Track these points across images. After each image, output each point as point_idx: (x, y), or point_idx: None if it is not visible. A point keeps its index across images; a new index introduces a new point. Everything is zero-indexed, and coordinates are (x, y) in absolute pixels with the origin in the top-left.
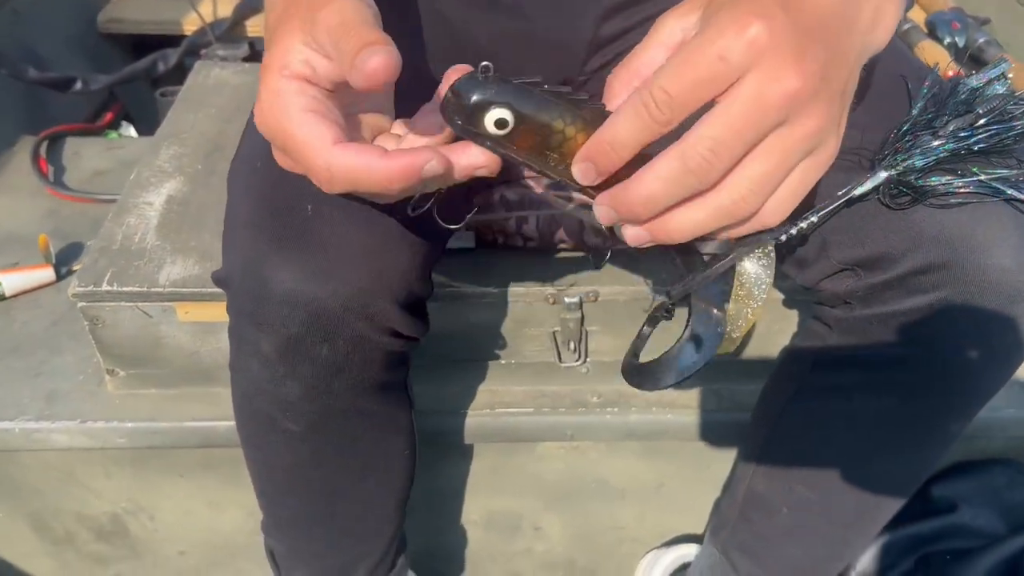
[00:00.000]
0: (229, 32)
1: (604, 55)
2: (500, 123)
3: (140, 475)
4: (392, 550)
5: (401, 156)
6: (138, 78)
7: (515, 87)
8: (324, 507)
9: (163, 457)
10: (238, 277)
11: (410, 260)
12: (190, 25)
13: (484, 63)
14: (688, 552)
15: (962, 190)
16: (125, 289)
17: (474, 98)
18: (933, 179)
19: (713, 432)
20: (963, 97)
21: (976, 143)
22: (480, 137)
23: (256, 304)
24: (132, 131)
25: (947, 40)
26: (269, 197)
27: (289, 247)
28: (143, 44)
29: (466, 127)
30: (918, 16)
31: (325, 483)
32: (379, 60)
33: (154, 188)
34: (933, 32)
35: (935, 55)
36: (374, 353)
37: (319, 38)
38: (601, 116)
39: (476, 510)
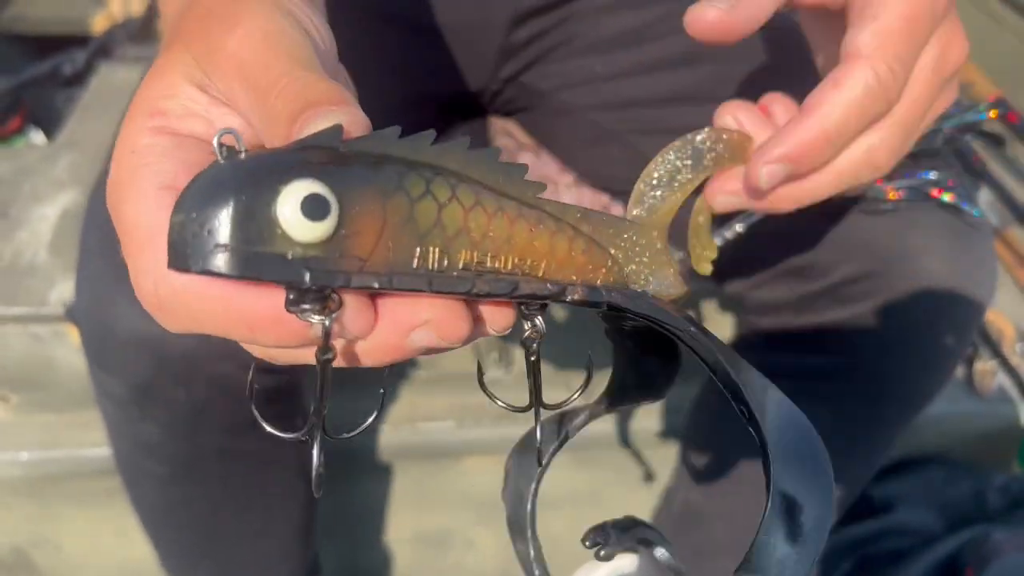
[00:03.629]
0: (142, 31)
1: (518, 61)
2: (315, 210)
3: (41, 505)
4: None
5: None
6: (44, 81)
7: (315, 153)
8: (207, 547)
9: (63, 486)
10: (83, 315)
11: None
12: (100, 24)
13: (225, 130)
14: (622, 564)
15: (892, 195)
16: (12, 310)
17: (246, 189)
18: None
19: (647, 439)
20: None
21: None
22: (285, 268)
23: (102, 345)
24: (41, 138)
25: None
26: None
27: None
28: (50, 45)
29: (240, 251)
30: None
31: (204, 523)
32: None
33: (49, 200)
34: None
35: None
36: (243, 392)
37: (223, 80)
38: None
39: (403, 527)
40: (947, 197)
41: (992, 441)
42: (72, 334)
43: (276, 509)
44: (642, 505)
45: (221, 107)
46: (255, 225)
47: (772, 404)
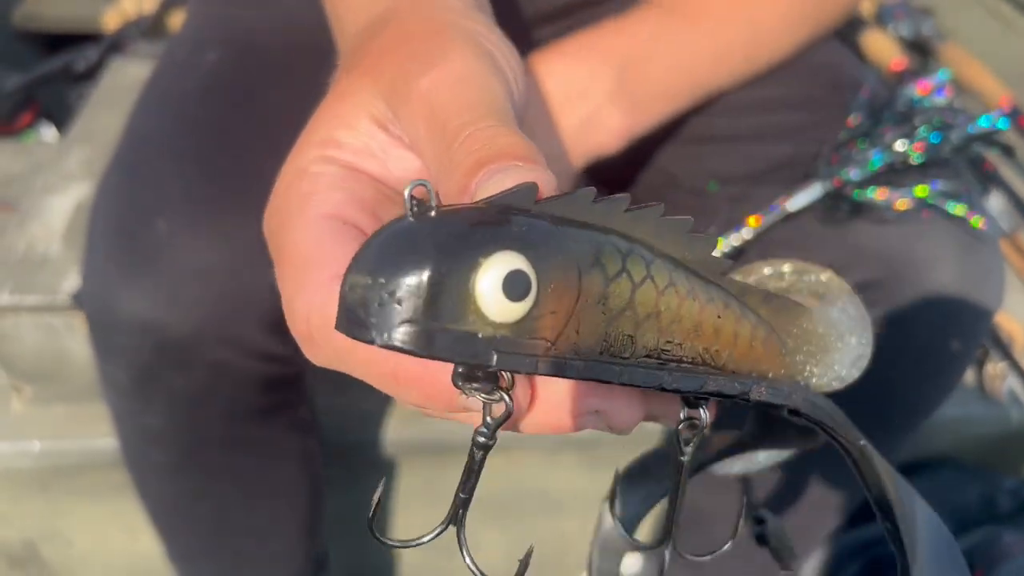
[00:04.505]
0: (154, 28)
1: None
2: (516, 288)
3: (52, 498)
4: (305, 574)
5: None
6: (56, 77)
7: (515, 219)
8: (215, 539)
9: (74, 479)
10: (88, 302)
11: None
12: (113, 22)
13: (417, 181)
14: (628, 564)
15: (900, 205)
16: (26, 301)
17: (451, 255)
18: (870, 192)
19: (657, 440)
20: (901, 108)
21: (915, 155)
22: (473, 348)
23: (105, 332)
24: (53, 133)
25: (894, 30)
26: (119, 210)
27: (137, 269)
28: (63, 43)
29: (429, 328)
30: (868, 5)
31: (211, 516)
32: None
33: (62, 194)
34: (882, 22)
35: (882, 46)
36: (244, 379)
37: (410, 122)
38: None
39: (411, 526)
40: (955, 209)
41: (1002, 444)
42: (84, 325)
43: (283, 503)
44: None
45: (401, 149)
46: (450, 301)
47: (921, 522)
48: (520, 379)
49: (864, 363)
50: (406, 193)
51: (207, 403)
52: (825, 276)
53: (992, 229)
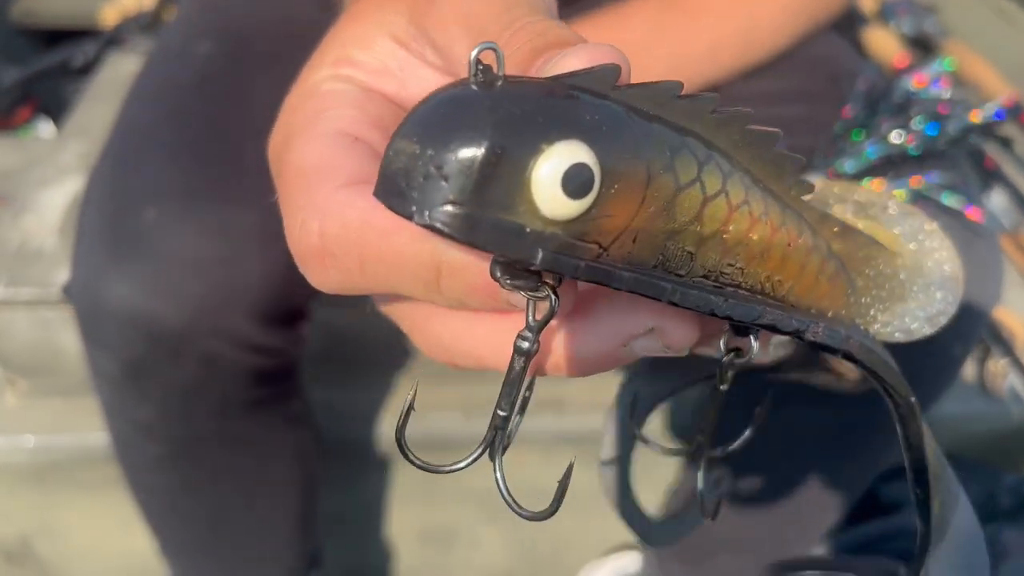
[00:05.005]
0: (153, 23)
1: None
2: (577, 185)
3: (47, 493)
4: (298, 571)
5: None
6: (54, 72)
7: (588, 103)
8: (208, 533)
9: (69, 473)
10: (77, 292)
11: (271, 267)
12: (111, 17)
13: (485, 44)
14: (626, 563)
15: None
16: (21, 293)
17: (507, 137)
18: (865, 184)
19: (653, 434)
20: (897, 99)
21: (910, 147)
22: (518, 242)
23: (96, 323)
24: (51, 128)
25: (896, 26)
26: (109, 200)
27: (126, 259)
28: (62, 38)
29: (475, 213)
30: (871, 2)
31: (204, 509)
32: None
33: (57, 187)
34: (885, 19)
35: (885, 43)
36: (235, 372)
37: (442, 31)
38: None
39: (408, 523)
40: (950, 200)
41: (1003, 441)
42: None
43: (276, 498)
44: (648, 502)
45: (424, 67)
46: (502, 186)
47: (955, 505)
48: (568, 287)
49: (942, 321)
50: (472, 55)
51: (199, 396)
52: (930, 226)
53: (991, 224)
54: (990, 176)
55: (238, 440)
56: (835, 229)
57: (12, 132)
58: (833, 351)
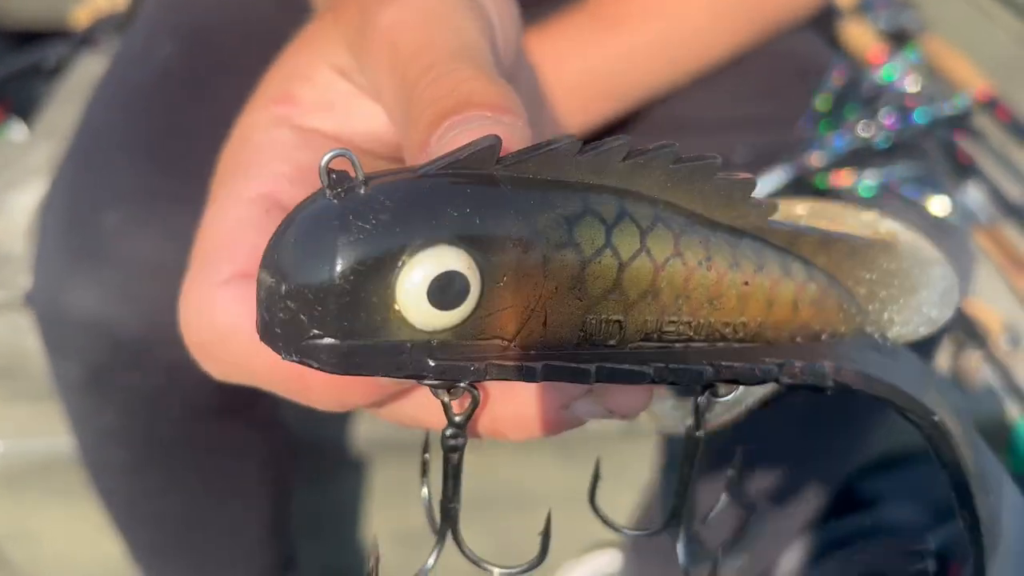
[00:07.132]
0: (125, 24)
1: None
2: (450, 295)
3: (18, 498)
4: (272, 575)
5: None
6: (27, 73)
7: (460, 193)
8: (177, 538)
9: (41, 477)
10: (38, 299)
11: None
12: (84, 18)
13: (337, 151)
14: (604, 562)
15: (863, 190)
16: None
17: (351, 255)
18: (833, 177)
19: (638, 434)
20: (866, 92)
21: (878, 140)
22: (401, 360)
23: (57, 331)
24: (24, 130)
25: (874, 21)
26: (70, 204)
27: (86, 265)
28: (34, 39)
29: (344, 345)
30: None
31: (172, 514)
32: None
33: (26, 189)
34: (863, 13)
35: (860, 37)
36: (199, 378)
37: (373, 65)
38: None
39: (384, 524)
40: (918, 195)
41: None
42: None
43: (246, 502)
44: (627, 500)
45: (362, 99)
46: (366, 310)
47: (1006, 510)
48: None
49: (955, 297)
50: (321, 164)
51: (163, 402)
52: (868, 216)
53: (961, 216)
54: (965, 170)
55: (205, 445)
56: (815, 241)
57: None
58: (820, 390)
